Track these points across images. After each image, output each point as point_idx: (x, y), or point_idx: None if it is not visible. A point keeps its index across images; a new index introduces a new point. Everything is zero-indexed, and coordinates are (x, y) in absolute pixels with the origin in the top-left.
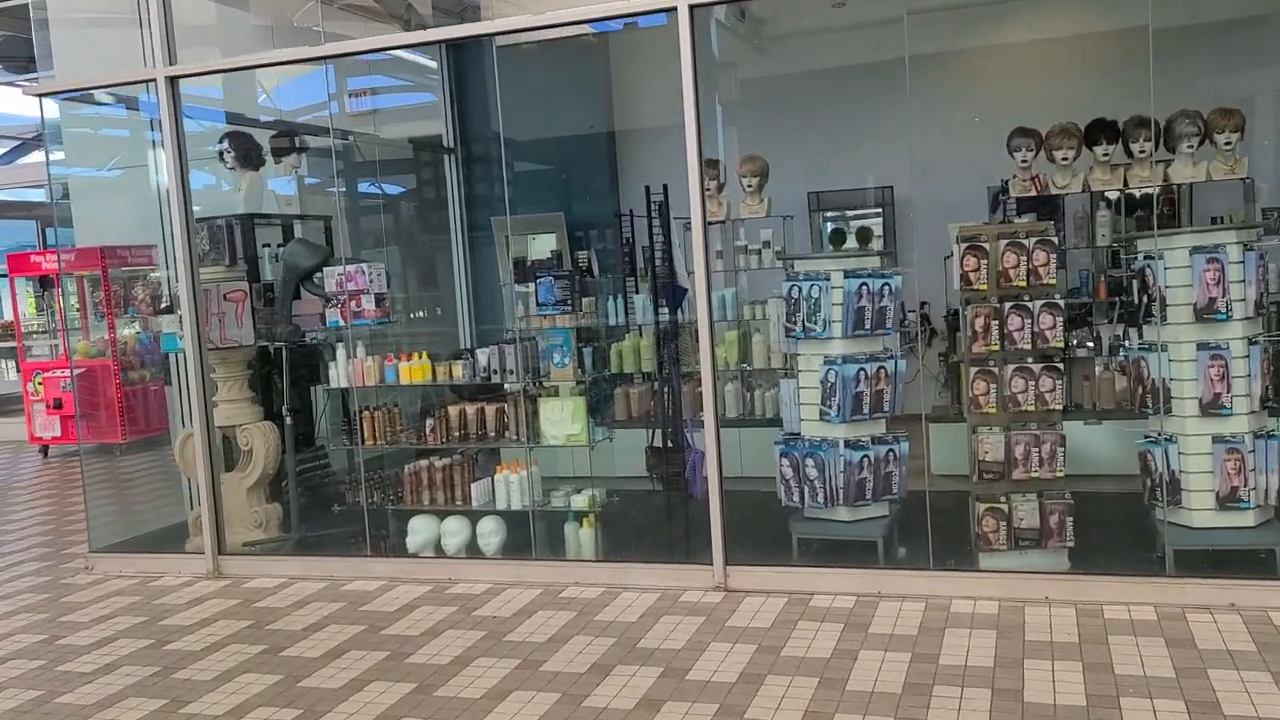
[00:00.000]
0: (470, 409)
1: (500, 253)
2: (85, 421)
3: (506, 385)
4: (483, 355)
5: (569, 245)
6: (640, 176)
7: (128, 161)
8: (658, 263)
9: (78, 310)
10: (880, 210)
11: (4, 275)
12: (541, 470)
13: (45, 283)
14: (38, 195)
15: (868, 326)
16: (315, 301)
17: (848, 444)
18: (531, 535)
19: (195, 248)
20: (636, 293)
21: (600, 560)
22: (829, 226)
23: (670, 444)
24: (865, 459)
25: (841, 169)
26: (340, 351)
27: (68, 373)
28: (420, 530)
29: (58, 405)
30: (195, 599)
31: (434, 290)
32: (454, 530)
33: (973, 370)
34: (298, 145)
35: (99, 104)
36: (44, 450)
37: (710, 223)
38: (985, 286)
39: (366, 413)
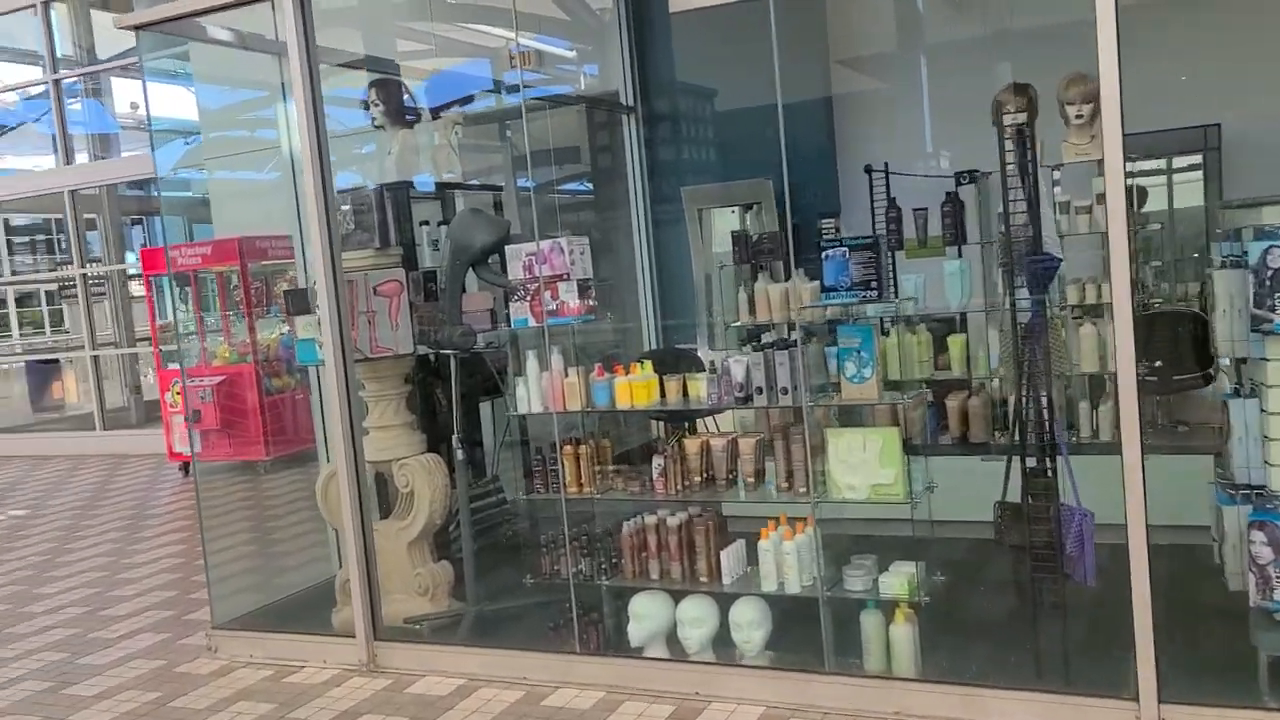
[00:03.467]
0: (717, 444)
1: (692, 227)
2: (226, 435)
3: (780, 403)
4: (737, 367)
5: (778, 217)
6: (864, 130)
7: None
8: (1015, 223)
9: (217, 311)
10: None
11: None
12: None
13: (184, 281)
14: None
15: None
16: (482, 294)
17: None
18: (823, 633)
19: (336, 223)
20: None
21: (934, 680)
22: None
23: (1039, 495)
24: None
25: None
26: (531, 361)
27: (205, 381)
28: (647, 615)
29: (196, 418)
30: (344, 712)
31: (609, 278)
32: (696, 618)
33: None
34: (460, 97)
35: (214, 42)
36: (184, 468)
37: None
38: None
39: (568, 448)
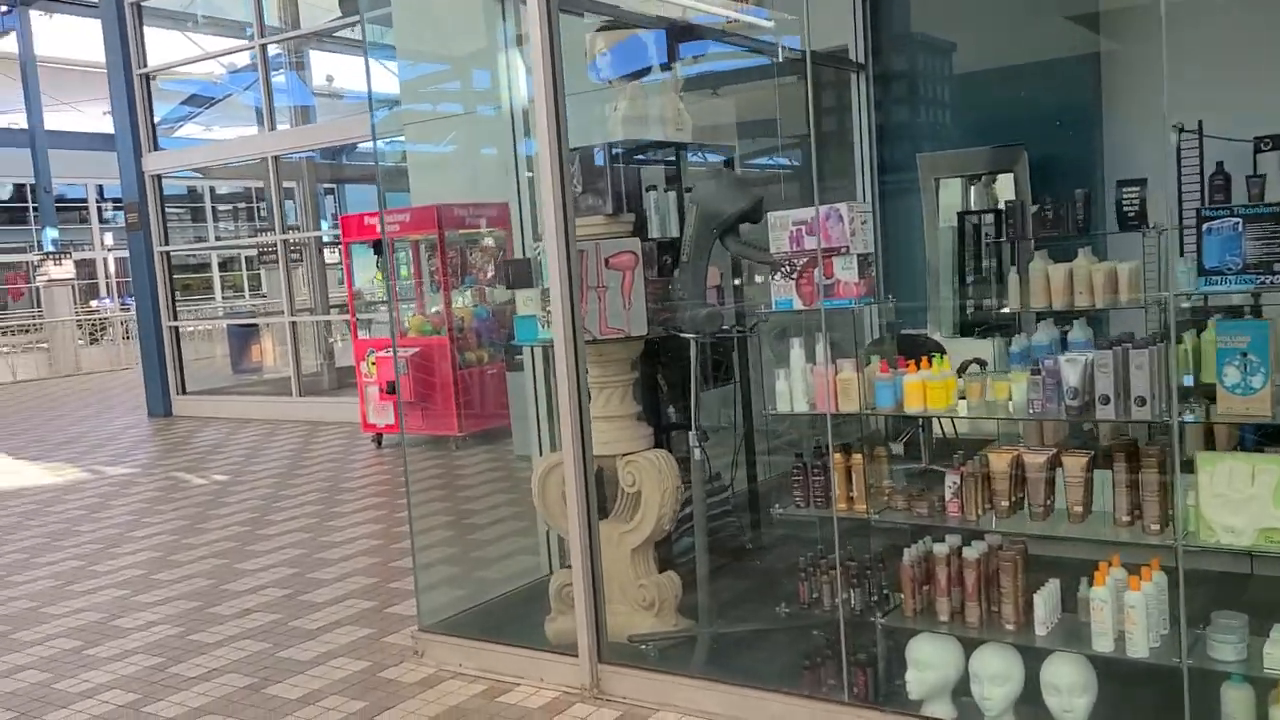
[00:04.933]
0: (1032, 461)
1: (928, 199)
2: (419, 409)
3: (1135, 416)
4: (1071, 368)
5: (1030, 190)
6: (1140, 81)
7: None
8: None
9: (411, 280)
10: None
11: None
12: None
13: (380, 248)
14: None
15: None
16: (710, 269)
17: None
18: (1186, 712)
19: (571, 186)
20: None
21: None
22: None
23: None
24: None
25: None
26: (795, 351)
27: (400, 353)
28: (932, 664)
29: (391, 390)
30: None
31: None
32: (998, 674)
33: None
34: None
35: None
36: (377, 439)
37: None
38: None
39: (838, 457)
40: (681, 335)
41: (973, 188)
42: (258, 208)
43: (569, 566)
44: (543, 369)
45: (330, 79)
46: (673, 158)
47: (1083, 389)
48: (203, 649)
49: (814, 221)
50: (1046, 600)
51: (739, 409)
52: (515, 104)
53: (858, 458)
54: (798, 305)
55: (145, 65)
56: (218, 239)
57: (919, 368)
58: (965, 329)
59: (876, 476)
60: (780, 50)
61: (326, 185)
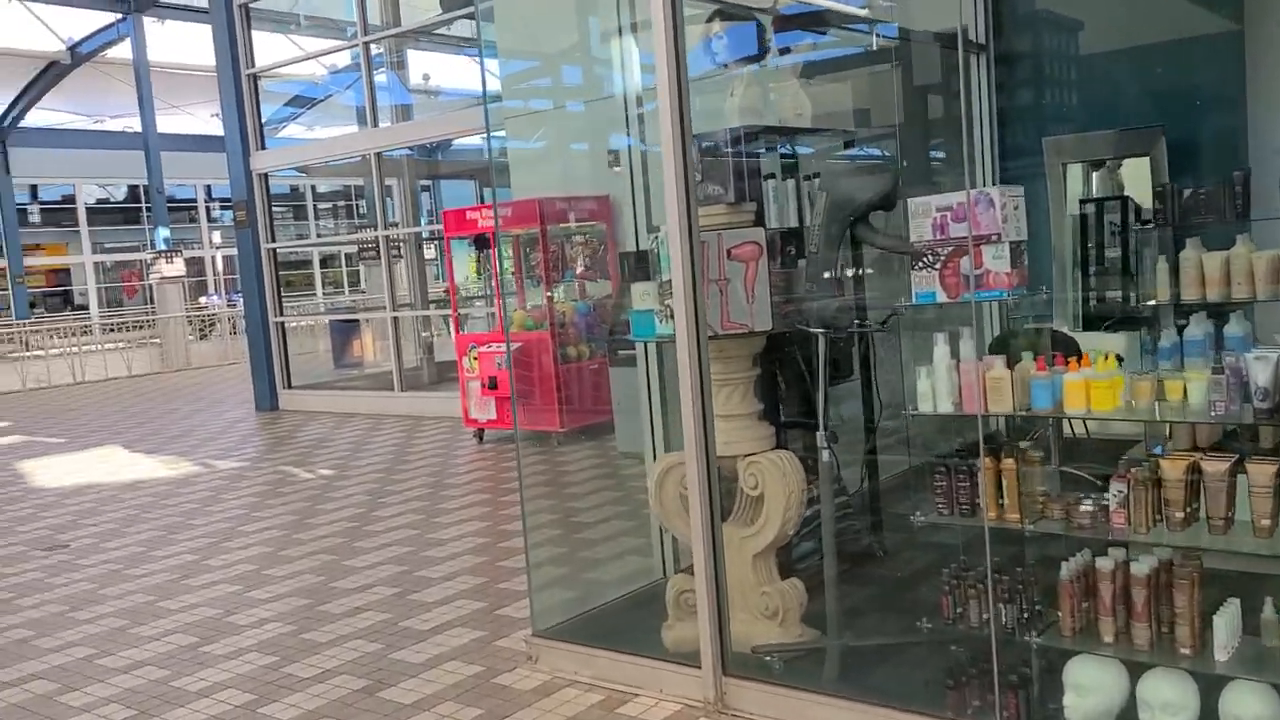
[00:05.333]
0: (1212, 469)
1: (1054, 186)
2: (521, 404)
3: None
4: (1261, 366)
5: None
6: None
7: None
8: None
9: (512, 275)
10: None
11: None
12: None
13: (481, 243)
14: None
15: None
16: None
17: None
18: None
19: (694, 174)
20: None
21: None
22: None
23: None
24: None
25: None
26: (939, 348)
27: (503, 348)
28: (1094, 689)
29: (493, 385)
30: None
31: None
32: (1171, 702)
33: None
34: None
35: None
36: (479, 434)
37: None
38: None
39: (988, 462)
40: (810, 331)
41: (1094, 174)
42: (356, 205)
43: (685, 571)
44: (656, 365)
45: (426, 77)
46: (790, 145)
47: (1273, 389)
48: (315, 648)
49: (963, 207)
50: (1228, 622)
51: (871, 405)
52: (628, 93)
53: (1010, 462)
54: (941, 298)
55: (253, 66)
56: (318, 236)
57: (1051, 365)
58: (1090, 322)
59: (1029, 483)
60: (898, 34)
61: (422, 182)
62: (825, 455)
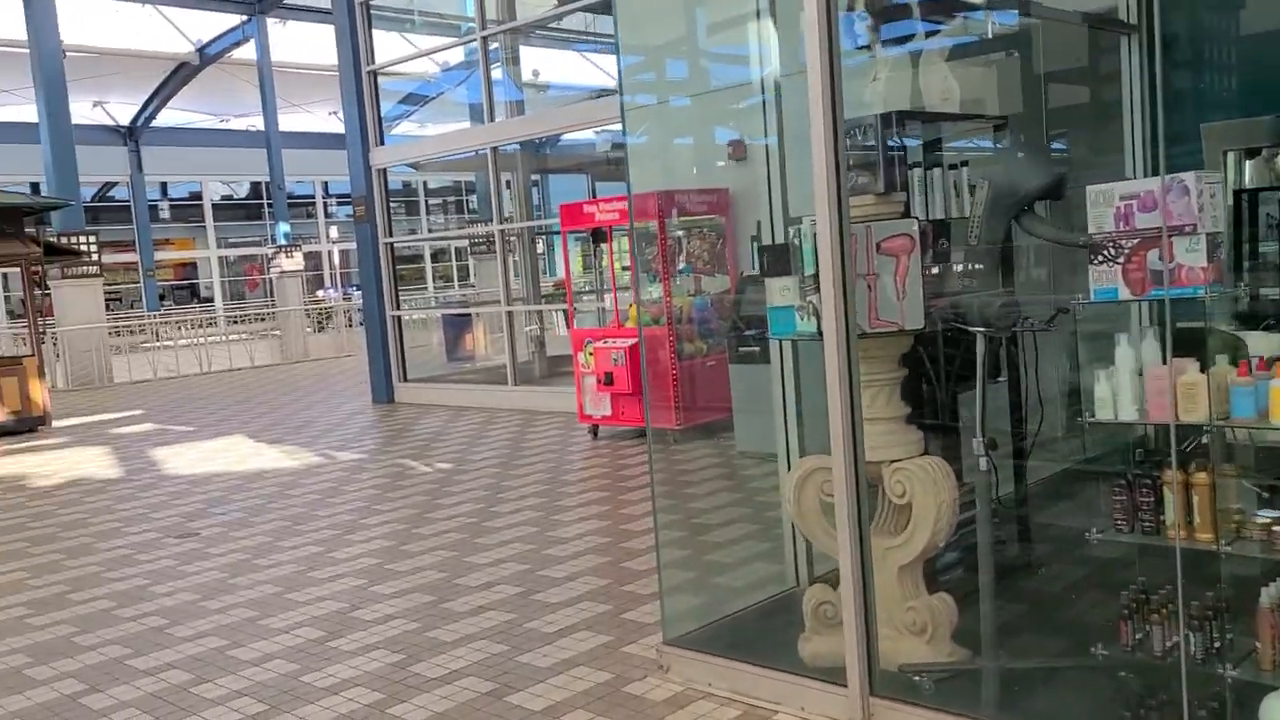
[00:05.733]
0: None
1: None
2: (637, 400)
3: None
4: None
5: None
6: None
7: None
8: None
9: (627, 269)
10: None
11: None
12: None
13: (597, 237)
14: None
15: None
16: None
17: None
18: None
19: (846, 163)
20: None
21: None
22: None
23: None
24: None
25: None
26: (1122, 349)
27: (618, 344)
28: None
29: (609, 381)
30: None
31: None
32: None
33: None
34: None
35: None
36: (593, 430)
37: None
38: None
39: (1179, 475)
40: (970, 330)
41: (1248, 163)
42: (465, 200)
43: (822, 580)
44: (792, 363)
45: (536, 73)
46: (936, 131)
47: None
48: (441, 648)
49: (1151, 195)
50: None
51: (1032, 410)
52: (767, 80)
53: (1201, 476)
54: (1124, 295)
55: (373, 62)
56: (430, 231)
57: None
58: (1245, 320)
59: (1222, 498)
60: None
61: (533, 176)
62: (983, 464)
